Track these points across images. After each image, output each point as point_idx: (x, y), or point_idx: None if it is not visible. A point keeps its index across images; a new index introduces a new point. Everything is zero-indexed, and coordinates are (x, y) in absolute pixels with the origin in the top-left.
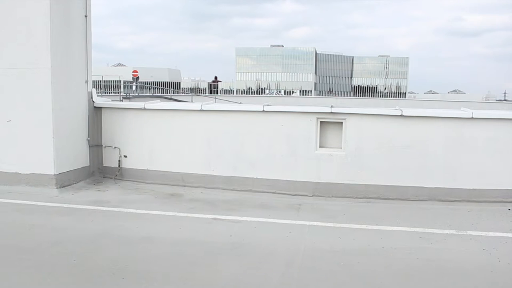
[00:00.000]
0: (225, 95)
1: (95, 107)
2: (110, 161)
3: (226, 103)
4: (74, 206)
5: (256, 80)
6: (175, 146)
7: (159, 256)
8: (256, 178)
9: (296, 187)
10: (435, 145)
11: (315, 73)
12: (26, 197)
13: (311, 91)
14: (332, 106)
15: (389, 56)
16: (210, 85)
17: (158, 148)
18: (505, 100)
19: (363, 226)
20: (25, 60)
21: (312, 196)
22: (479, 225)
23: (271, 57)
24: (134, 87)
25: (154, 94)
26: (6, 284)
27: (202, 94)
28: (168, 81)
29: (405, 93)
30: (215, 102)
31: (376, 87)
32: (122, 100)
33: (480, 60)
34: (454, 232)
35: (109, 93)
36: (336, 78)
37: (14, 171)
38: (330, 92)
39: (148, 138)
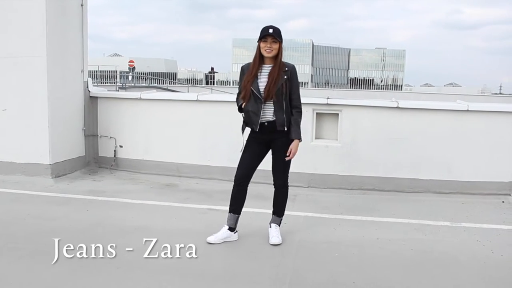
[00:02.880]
0: (222, 86)
1: (91, 96)
2: (105, 151)
3: (223, 93)
4: (70, 195)
5: None
6: (171, 136)
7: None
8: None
9: (291, 178)
10: (430, 137)
11: (312, 65)
12: (21, 186)
13: (307, 82)
14: (328, 98)
15: (386, 48)
16: (206, 76)
17: (153, 138)
18: (500, 93)
19: (358, 218)
20: (21, 48)
21: (308, 187)
22: (473, 217)
23: None
24: (130, 77)
25: (150, 85)
26: (1, 273)
27: (198, 85)
28: (165, 71)
29: (402, 86)
30: (211, 92)
31: (373, 80)
32: (118, 90)
33: (477, 53)
34: (448, 224)
35: (105, 83)
36: (332, 70)
37: (10, 160)
38: (327, 84)
39: (143, 128)
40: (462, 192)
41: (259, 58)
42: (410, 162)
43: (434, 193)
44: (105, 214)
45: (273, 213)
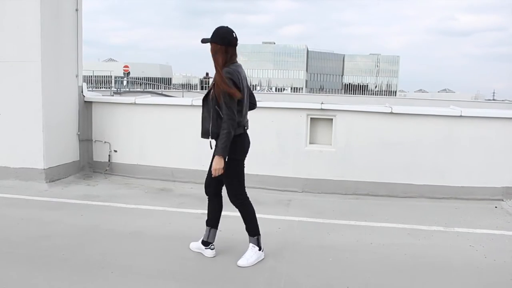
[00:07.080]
0: None
1: (85, 101)
2: (100, 155)
3: None
4: (64, 200)
5: (248, 76)
6: (166, 141)
7: (148, 251)
8: (246, 173)
9: (286, 183)
10: (424, 142)
11: (306, 70)
12: (15, 191)
13: (302, 88)
14: (322, 103)
15: (380, 54)
16: (201, 81)
17: (148, 143)
18: (493, 99)
19: (352, 222)
20: (15, 53)
21: (302, 192)
22: (466, 222)
23: (263, 54)
24: (125, 82)
25: (145, 90)
26: None
27: (193, 90)
28: (160, 76)
29: (396, 92)
30: None
31: (367, 85)
32: (113, 95)
33: (470, 59)
34: (441, 229)
35: (100, 88)
36: (327, 76)
37: (4, 165)
38: (321, 89)
39: (138, 133)
40: (455, 197)
41: None
42: (404, 167)
43: (427, 198)
44: (99, 218)
45: (246, 230)
